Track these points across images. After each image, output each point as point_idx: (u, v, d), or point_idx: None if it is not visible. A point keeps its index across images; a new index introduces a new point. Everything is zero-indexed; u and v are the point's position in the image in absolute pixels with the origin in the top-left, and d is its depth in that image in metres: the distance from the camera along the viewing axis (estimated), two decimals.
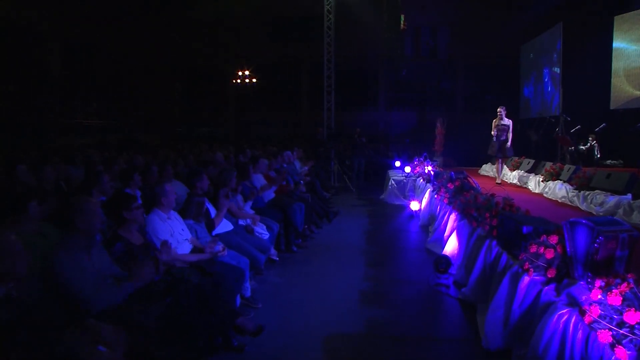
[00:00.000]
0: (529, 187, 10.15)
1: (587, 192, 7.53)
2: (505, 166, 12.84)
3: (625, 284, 2.60)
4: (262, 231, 5.90)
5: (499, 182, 11.23)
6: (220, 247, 4.74)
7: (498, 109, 10.92)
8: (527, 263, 3.77)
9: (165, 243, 3.60)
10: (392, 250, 7.52)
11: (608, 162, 14.28)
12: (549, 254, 3.60)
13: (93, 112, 21.88)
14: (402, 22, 14.64)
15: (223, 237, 5.13)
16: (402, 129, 21.60)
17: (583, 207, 7.44)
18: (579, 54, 15.14)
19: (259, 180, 7.68)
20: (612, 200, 6.79)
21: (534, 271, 3.68)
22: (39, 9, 17.41)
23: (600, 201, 7.03)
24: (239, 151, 12.23)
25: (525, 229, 4.15)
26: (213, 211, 5.31)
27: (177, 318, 3.19)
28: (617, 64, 15.42)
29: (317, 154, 15.88)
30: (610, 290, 2.61)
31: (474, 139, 17.39)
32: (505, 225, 4.68)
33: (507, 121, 10.81)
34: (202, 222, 4.89)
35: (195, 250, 4.37)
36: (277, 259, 6.64)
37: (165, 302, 3.24)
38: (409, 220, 9.94)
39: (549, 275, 3.52)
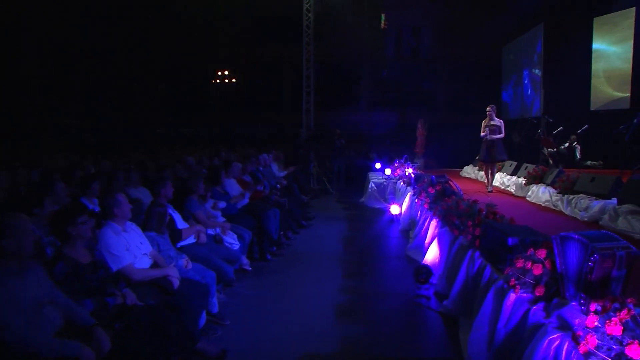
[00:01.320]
0: (512, 190, 9.94)
1: (571, 196, 7.31)
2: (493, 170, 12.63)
3: (625, 311, 2.32)
4: (232, 241, 5.55)
5: (491, 189, 10.11)
6: (183, 261, 4.40)
7: (487, 109, 10.01)
8: (513, 279, 3.48)
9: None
10: (371, 258, 7.22)
11: (588, 162, 14.23)
12: (537, 270, 3.32)
13: (71, 112, 21.29)
14: (382, 22, 14.37)
15: (188, 249, 4.79)
16: (384, 129, 21.35)
17: (567, 211, 7.22)
18: (559, 55, 15.06)
19: (232, 185, 7.33)
20: (597, 204, 6.56)
21: (521, 288, 3.39)
22: (17, 8, 16.82)
23: (585, 206, 6.80)
24: (215, 154, 11.86)
25: (510, 241, 3.87)
26: (179, 220, 4.95)
27: (126, 347, 2.83)
28: (597, 66, 15.39)
29: (297, 156, 15.55)
30: (609, 319, 2.32)
31: (455, 140, 17.25)
32: (489, 236, 4.40)
33: (498, 121, 9.90)
34: (166, 233, 4.52)
35: (155, 265, 4.00)
36: (250, 269, 6.31)
37: (114, 328, 2.88)
38: (389, 224, 9.67)
39: (537, 294, 3.24)
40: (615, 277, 2.67)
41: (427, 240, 6.61)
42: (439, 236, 6.00)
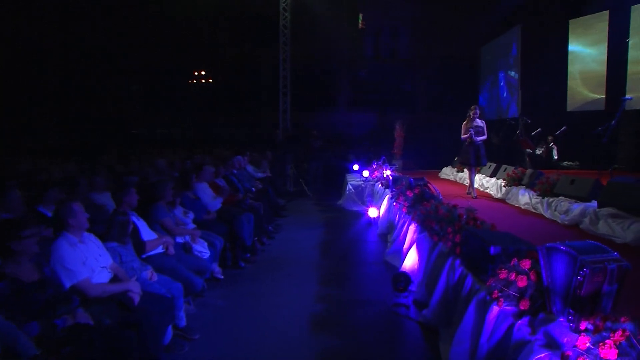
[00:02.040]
0: (491, 192, 9.84)
1: (551, 199, 7.21)
2: (466, 170, 12.52)
3: (620, 332, 2.13)
4: (202, 249, 5.27)
5: (475, 195, 9.47)
6: (148, 272, 4.12)
7: (472, 108, 9.41)
8: (496, 291, 3.29)
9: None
10: (349, 264, 7.00)
11: (565, 163, 14.28)
12: (522, 282, 3.14)
13: (41, 113, 20.66)
14: (360, 22, 14.21)
15: (154, 260, 4.51)
16: (362, 130, 21.21)
17: (547, 214, 7.12)
18: (537, 57, 15.09)
19: (204, 190, 7.04)
20: (577, 207, 6.46)
21: (505, 301, 3.21)
22: None
23: (565, 209, 6.70)
24: (188, 156, 11.56)
25: (492, 250, 3.69)
26: (144, 229, 4.67)
27: None
28: (572, 67, 15.47)
29: (273, 158, 15.27)
30: (603, 340, 2.13)
31: (434, 141, 17.19)
32: (469, 243, 4.22)
33: (481, 122, 9.33)
34: (129, 243, 4.23)
35: (116, 279, 3.72)
36: (222, 277, 6.03)
37: (60, 354, 2.61)
38: (367, 228, 9.47)
39: (522, 307, 3.06)
40: (606, 292, 2.49)
41: (406, 245, 6.42)
42: (418, 242, 5.82)
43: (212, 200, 7.01)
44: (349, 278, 6.36)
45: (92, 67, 22.19)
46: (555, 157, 14.73)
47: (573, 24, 15.37)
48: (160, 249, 4.66)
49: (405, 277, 5.40)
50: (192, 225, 5.85)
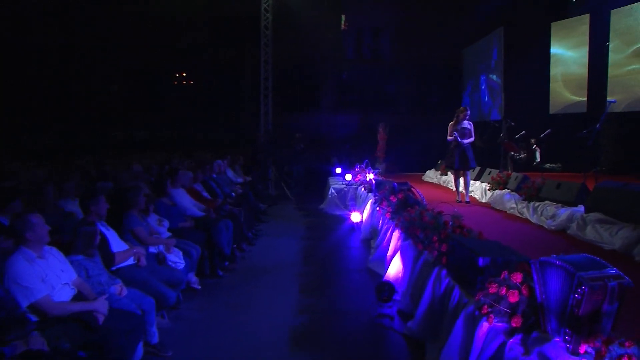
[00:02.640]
0: (475, 196, 9.71)
1: (537, 203, 7.09)
2: (450, 173, 12.40)
3: (625, 359, 1.95)
4: (176, 260, 5.02)
5: (461, 200, 9.17)
6: (117, 287, 3.86)
7: (460, 109, 8.98)
8: (485, 306, 3.11)
9: None
10: (331, 272, 6.79)
11: (547, 165, 14.29)
12: (513, 298, 2.96)
13: (19, 115, 20.07)
14: (342, 23, 14.04)
15: (124, 272, 4.25)
16: (344, 132, 21.02)
17: (533, 219, 7.00)
18: (519, 59, 15.06)
19: (181, 195, 6.78)
20: (564, 212, 6.35)
21: (495, 317, 3.02)
22: None
23: (552, 213, 6.59)
24: (167, 160, 11.26)
25: (481, 261, 3.50)
26: (114, 240, 4.40)
27: None
28: (555, 70, 15.50)
29: (255, 161, 15.04)
30: None
31: (417, 143, 17.07)
32: (456, 253, 4.04)
33: (469, 123, 8.90)
34: (97, 256, 3.96)
35: (79, 296, 3.46)
36: (199, 287, 5.78)
37: None
38: (350, 233, 9.28)
39: (514, 324, 2.87)
40: (606, 312, 2.31)
41: (390, 252, 6.23)
42: (402, 249, 5.63)
43: (189, 206, 6.75)
44: (332, 286, 6.14)
45: (70, 68, 21.67)
46: (538, 160, 14.73)
47: (555, 26, 15.41)
48: (131, 261, 4.40)
49: (389, 286, 5.21)
50: (167, 234, 5.60)
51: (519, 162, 13.20)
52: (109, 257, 4.15)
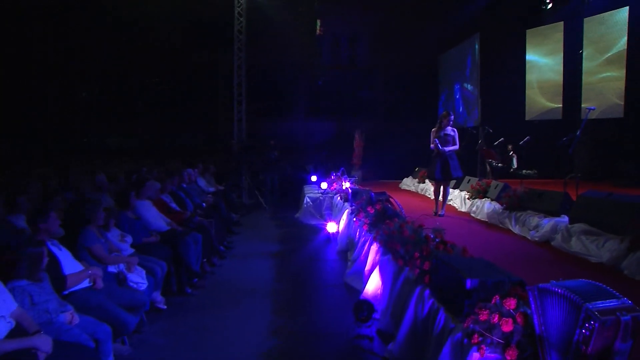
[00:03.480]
0: (455, 205, 9.49)
1: (519, 213, 6.89)
2: (427, 181, 12.19)
3: None
4: (138, 280, 4.62)
5: (442, 213, 8.49)
6: (67, 315, 3.46)
7: (444, 114, 8.39)
8: (476, 335, 2.82)
9: None
10: (306, 288, 6.45)
11: (524, 172, 14.25)
12: (507, 327, 2.67)
13: None
14: (318, 28, 13.77)
15: (78, 297, 3.85)
16: (320, 139, 20.74)
17: (516, 230, 6.79)
18: (495, 66, 15.03)
19: (146, 208, 6.37)
20: (548, 223, 6.15)
21: (487, 347, 2.74)
22: None
23: (535, 224, 6.38)
24: (136, 169, 10.79)
25: (469, 283, 3.22)
26: (67, 260, 4.00)
27: None
28: (530, 76, 15.53)
29: (228, 169, 14.63)
30: None
31: (394, 150, 16.87)
32: (440, 272, 3.75)
33: (452, 131, 8.30)
34: (45, 280, 3.56)
35: (19, 330, 3.05)
36: (165, 307, 5.39)
37: None
38: (326, 244, 8.96)
39: (508, 357, 2.58)
40: (619, 350, 2.03)
41: (368, 267, 5.93)
42: (381, 265, 5.33)
43: (155, 219, 6.35)
44: (306, 305, 5.80)
45: (38, 72, 20.89)
46: (515, 166, 14.68)
47: (530, 33, 15.45)
48: (86, 283, 4.00)
49: (368, 305, 4.90)
50: (129, 251, 5.20)
51: (496, 169, 13.10)
52: (60, 280, 3.75)
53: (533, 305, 2.44)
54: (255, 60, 16.77)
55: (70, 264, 3.99)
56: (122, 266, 4.63)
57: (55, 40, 20.22)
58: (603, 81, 13.66)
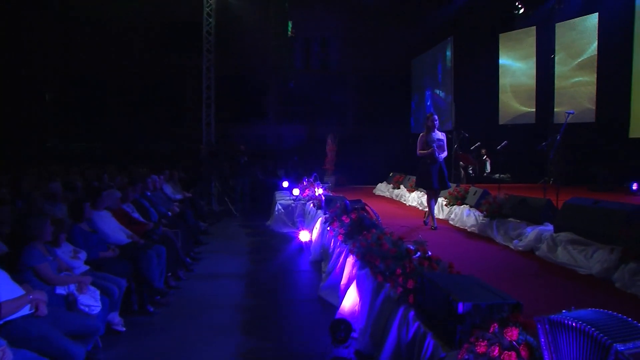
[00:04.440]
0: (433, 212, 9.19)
1: (500, 221, 6.63)
2: (402, 186, 11.94)
3: None
4: (90, 302, 4.13)
5: (428, 223, 7.99)
6: None
7: (428, 117, 7.79)
8: None
9: None
10: (278, 303, 6.03)
11: (497, 176, 14.20)
12: None
13: None
14: (290, 30, 13.41)
15: (15, 327, 3.36)
16: (292, 144, 20.37)
17: (498, 239, 6.53)
18: (468, 70, 14.93)
19: (104, 219, 5.87)
20: (531, 232, 5.90)
21: None
22: None
23: (517, 233, 6.13)
24: (97, 176, 10.24)
25: (461, 307, 2.88)
26: (3, 284, 3.50)
27: None
28: (503, 80, 15.50)
29: (197, 174, 14.11)
30: None
31: (367, 155, 16.64)
32: (427, 292, 3.41)
33: (442, 135, 7.72)
34: None
35: None
36: (123, 329, 4.90)
37: None
38: (298, 254, 8.57)
39: None
40: None
41: (344, 281, 5.56)
42: (358, 279, 4.97)
43: (114, 232, 5.86)
44: (279, 323, 5.39)
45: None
46: (488, 170, 14.62)
47: (503, 37, 15.42)
48: (26, 310, 3.51)
49: (346, 325, 4.52)
50: (83, 268, 4.72)
51: (470, 174, 12.96)
52: None
53: (543, 340, 2.11)
54: (225, 62, 16.31)
55: (6, 289, 3.48)
56: (72, 287, 4.14)
57: (17, 41, 19.35)
58: (575, 86, 13.68)
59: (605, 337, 1.79)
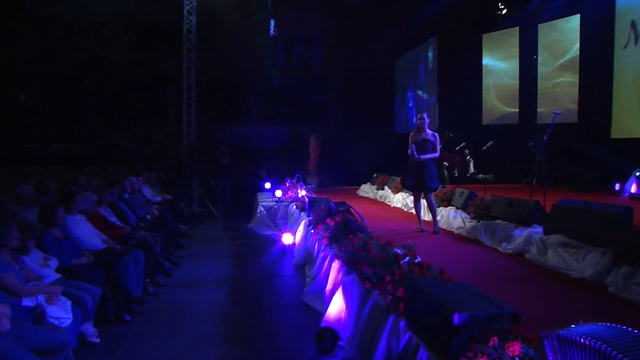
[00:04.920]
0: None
1: (488, 223, 6.49)
2: (387, 187, 11.80)
3: None
4: (60, 314, 3.87)
5: (423, 228, 7.57)
6: None
7: (418, 116, 7.46)
8: None
9: None
10: (260, 310, 5.81)
11: (480, 176, 14.18)
12: None
13: None
14: (272, 28, 13.18)
15: None
16: (274, 144, 20.11)
17: (486, 242, 6.39)
18: (452, 70, 14.87)
19: (78, 224, 5.59)
20: (520, 234, 5.77)
21: None
22: None
23: (506, 235, 6.00)
24: (73, 178, 9.90)
25: (457, 319, 2.70)
26: None
27: None
28: (487, 81, 15.47)
29: (178, 176, 13.81)
30: None
31: (350, 156, 16.48)
32: (418, 301, 3.23)
33: (431, 134, 7.35)
34: None
35: None
36: (97, 340, 4.64)
37: None
38: (281, 257, 8.37)
39: None
40: None
41: (329, 287, 5.37)
42: (345, 286, 4.78)
43: (88, 237, 5.59)
44: (262, 331, 5.17)
45: None
46: (472, 170, 14.58)
47: (486, 38, 15.41)
48: None
49: (332, 334, 4.31)
50: (54, 277, 4.46)
51: (454, 174, 12.89)
52: None
53: (551, 357, 1.94)
54: (206, 61, 16.02)
55: None
56: (40, 298, 3.87)
57: None
58: (558, 86, 13.71)
59: (621, 355, 1.63)
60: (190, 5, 14.46)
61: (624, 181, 11.15)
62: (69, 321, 3.90)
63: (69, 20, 18.96)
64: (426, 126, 7.34)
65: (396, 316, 3.47)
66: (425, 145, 7.26)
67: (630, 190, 10.80)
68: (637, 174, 10.58)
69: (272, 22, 13.12)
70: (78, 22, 19.16)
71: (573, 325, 1.93)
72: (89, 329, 4.59)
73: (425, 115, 7.39)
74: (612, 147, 11.98)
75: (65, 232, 5.26)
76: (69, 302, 4.07)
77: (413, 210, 9.29)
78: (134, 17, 19.69)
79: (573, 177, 12.57)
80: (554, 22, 13.81)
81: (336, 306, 4.86)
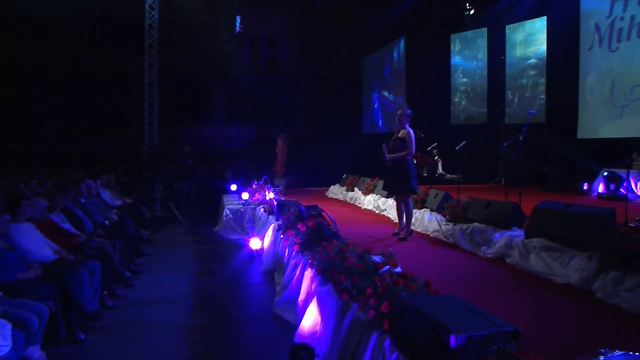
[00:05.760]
0: (389, 215, 8.80)
1: (465, 225, 6.26)
2: (357, 189, 11.53)
3: None
4: None
5: (403, 235, 6.91)
6: None
7: (398, 113, 6.93)
8: None
9: None
10: (228, 322, 5.41)
11: (448, 176, 14.11)
12: None
13: None
14: (238, 25, 12.76)
15: None
16: (240, 145, 19.62)
17: (465, 246, 6.15)
18: (420, 69, 14.75)
19: (26, 233, 5.09)
20: (501, 237, 5.56)
21: None
22: None
23: (485, 239, 5.78)
24: (25, 180, 9.29)
25: (453, 341, 2.41)
26: None
27: None
28: (455, 81, 15.44)
29: (140, 178, 13.20)
30: None
31: (318, 157, 16.17)
32: (407, 319, 2.92)
33: (406, 134, 6.72)
34: None
35: None
36: None
37: None
38: (249, 263, 7.98)
39: None
40: None
41: (302, 297, 5.03)
42: (320, 296, 4.45)
43: (37, 247, 5.10)
44: (231, 346, 4.79)
45: None
46: (440, 171, 14.51)
47: (455, 38, 15.36)
48: None
49: (307, 350, 3.97)
50: None
51: (424, 174, 12.75)
52: None
53: None
54: (169, 59, 15.45)
55: None
56: None
57: None
58: (525, 87, 13.75)
59: None
60: (152, 0, 13.88)
61: (591, 181, 11.19)
62: (7, 348, 3.42)
63: (23, 15, 18.09)
64: (403, 123, 6.80)
65: (380, 334, 3.16)
66: (395, 145, 6.80)
67: (598, 190, 10.84)
68: (605, 174, 10.61)
69: (238, 18, 12.69)
70: (33, 17, 18.30)
71: (602, 357, 1.65)
72: (36, 352, 4.10)
73: (400, 113, 6.90)
74: (579, 147, 12.04)
75: (10, 243, 4.75)
76: (10, 326, 3.59)
77: (385, 213, 9.09)
78: (93, 12, 18.93)
79: (542, 177, 12.58)
80: (522, 23, 13.87)
81: (310, 319, 4.52)
